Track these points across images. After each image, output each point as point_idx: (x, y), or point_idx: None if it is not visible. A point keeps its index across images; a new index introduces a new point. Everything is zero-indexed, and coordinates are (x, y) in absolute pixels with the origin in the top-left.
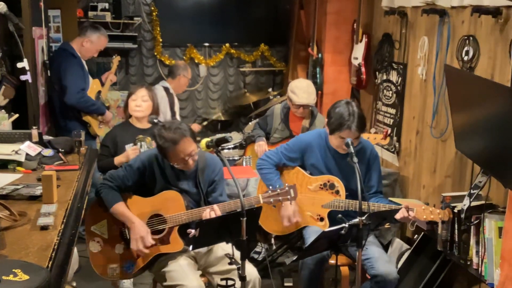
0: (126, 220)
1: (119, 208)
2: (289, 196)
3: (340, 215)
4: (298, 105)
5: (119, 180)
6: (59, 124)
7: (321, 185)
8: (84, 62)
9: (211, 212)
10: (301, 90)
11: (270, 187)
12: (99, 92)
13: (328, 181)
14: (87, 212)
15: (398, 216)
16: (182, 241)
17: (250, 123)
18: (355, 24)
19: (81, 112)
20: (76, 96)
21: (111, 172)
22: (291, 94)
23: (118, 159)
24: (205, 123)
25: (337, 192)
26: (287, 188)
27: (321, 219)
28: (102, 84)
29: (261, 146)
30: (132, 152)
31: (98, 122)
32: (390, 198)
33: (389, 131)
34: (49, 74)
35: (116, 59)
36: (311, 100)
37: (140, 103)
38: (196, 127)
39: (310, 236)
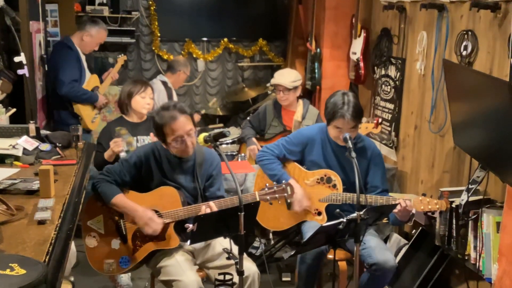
0: (129, 209)
1: (120, 199)
2: (286, 194)
3: (338, 210)
4: (276, 88)
5: (116, 175)
6: (53, 116)
7: (318, 179)
8: (81, 56)
9: (206, 209)
10: (278, 73)
11: (267, 185)
12: (97, 87)
13: (325, 175)
14: (84, 207)
15: (396, 208)
16: (179, 237)
17: (248, 118)
18: (353, 19)
19: (72, 103)
20: (67, 86)
21: (108, 167)
22: (272, 79)
23: (107, 154)
24: (203, 111)
25: (334, 186)
26: (283, 185)
27: (319, 214)
28: (101, 82)
29: (253, 150)
30: (114, 145)
31: (91, 117)
32: (390, 194)
33: (380, 120)
34: (46, 69)
35: (121, 59)
36: (285, 82)
37: (149, 100)
38: (196, 117)
39: (308, 231)
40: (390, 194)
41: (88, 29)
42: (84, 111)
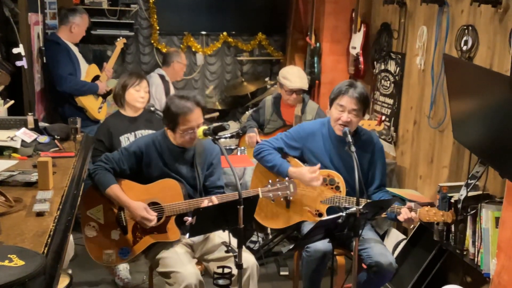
0: (121, 203)
1: (114, 190)
2: (288, 192)
3: (338, 204)
4: (291, 91)
5: (114, 163)
6: (57, 111)
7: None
8: (72, 48)
9: (209, 203)
10: (293, 75)
11: (270, 182)
12: (97, 76)
13: (328, 176)
14: (83, 196)
15: (401, 218)
16: (179, 230)
17: (247, 112)
18: (353, 13)
19: (74, 98)
20: (66, 81)
21: (107, 154)
22: (283, 80)
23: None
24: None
25: (337, 187)
26: (286, 183)
27: (320, 215)
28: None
29: (251, 137)
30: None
31: (96, 107)
32: (387, 189)
33: (383, 118)
34: (45, 61)
35: (120, 42)
36: (304, 84)
37: (143, 94)
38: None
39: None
40: (388, 189)
41: (72, 20)
42: (87, 102)
